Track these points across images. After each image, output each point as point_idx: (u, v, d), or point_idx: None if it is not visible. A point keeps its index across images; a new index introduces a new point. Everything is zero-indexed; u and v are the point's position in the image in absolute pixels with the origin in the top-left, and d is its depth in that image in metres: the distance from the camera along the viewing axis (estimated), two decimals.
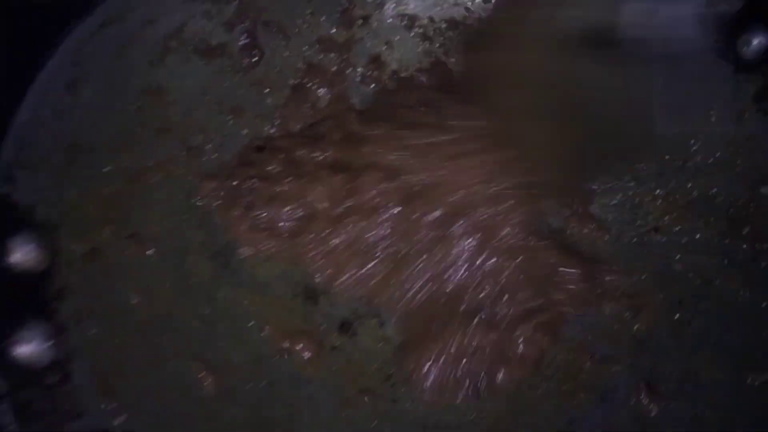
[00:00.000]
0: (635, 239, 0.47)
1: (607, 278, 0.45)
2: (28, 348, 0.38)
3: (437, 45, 0.50)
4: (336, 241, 0.45)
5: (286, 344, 0.45)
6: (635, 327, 0.46)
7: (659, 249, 0.47)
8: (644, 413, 0.44)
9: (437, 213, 0.44)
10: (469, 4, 0.49)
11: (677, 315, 0.46)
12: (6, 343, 0.37)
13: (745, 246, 0.46)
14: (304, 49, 0.49)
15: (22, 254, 0.40)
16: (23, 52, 0.44)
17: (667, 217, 0.47)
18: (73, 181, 0.45)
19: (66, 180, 0.45)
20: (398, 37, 0.49)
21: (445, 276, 0.44)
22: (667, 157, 0.47)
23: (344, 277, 0.45)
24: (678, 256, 0.46)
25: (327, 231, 0.45)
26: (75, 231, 0.44)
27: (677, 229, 0.47)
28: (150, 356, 0.43)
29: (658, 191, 0.47)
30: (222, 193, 0.47)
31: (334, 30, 0.49)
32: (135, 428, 0.40)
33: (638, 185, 0.47)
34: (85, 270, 0.44)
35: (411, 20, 0.50)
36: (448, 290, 0.44)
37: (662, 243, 0.47)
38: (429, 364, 0.43)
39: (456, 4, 0.50)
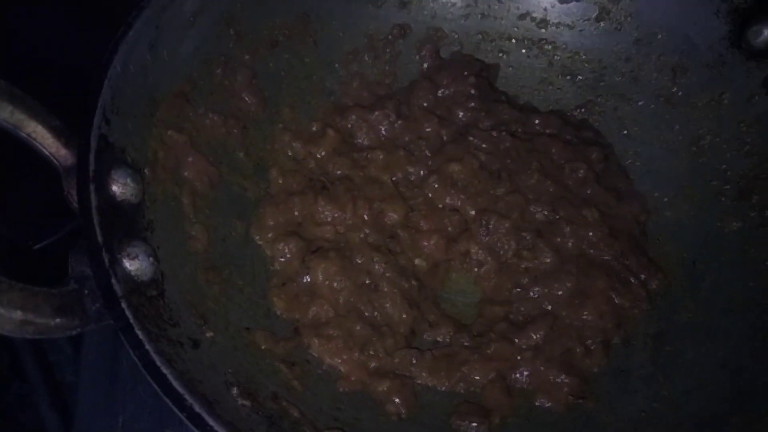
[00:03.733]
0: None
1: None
2: (135, 263, 0.40)
3: None
4: None
5: None
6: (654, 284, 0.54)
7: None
8: (661, 361, 0.50)
9: None
10: None
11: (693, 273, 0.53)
12: (119, 256, 0.40)
13: (753, 213, 0.54)
14: None
15: (120, 186, 0.43)
16: (117, 15, 0.48)
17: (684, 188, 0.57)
18: (152, 130, 0.49)
19: (147, 128, 0.48)
20: None
21: None
22: (680, 138, 0.57)
23: None
24: (694, 222, 0.56)
25: None
26: (156, 174, 0.48)
27: (694, 198, 0.57)
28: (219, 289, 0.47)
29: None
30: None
31: None
32: (219, 341, 0.44)
33: None
34: (166, 209, 0.47)
35: None
36: None
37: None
38: None
39: None
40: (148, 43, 0.50)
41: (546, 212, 0.57)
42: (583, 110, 0.66)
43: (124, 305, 0.37)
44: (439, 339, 0.53)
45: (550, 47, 0.68)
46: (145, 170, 0.47)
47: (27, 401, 0.55)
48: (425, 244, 0.57)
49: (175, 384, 0.35)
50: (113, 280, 0.38)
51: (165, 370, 0.35)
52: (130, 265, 0.40)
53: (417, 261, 0.56)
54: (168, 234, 0.47)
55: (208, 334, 0.43)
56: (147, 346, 0.36)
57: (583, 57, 0.67)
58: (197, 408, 0.34)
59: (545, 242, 0.56)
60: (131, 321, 0.36)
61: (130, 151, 0.46)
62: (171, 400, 0.34)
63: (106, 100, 0.45)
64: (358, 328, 0.51)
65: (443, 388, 0.50)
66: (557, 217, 0.57)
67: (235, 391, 0.40)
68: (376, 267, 0.54)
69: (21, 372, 0.57)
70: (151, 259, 0.42)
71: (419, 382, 0.50)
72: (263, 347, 0.47)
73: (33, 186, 0.58)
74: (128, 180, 0.44)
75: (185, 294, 0.45)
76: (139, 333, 0.36)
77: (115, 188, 0.43)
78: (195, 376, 0.38)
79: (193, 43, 0.54)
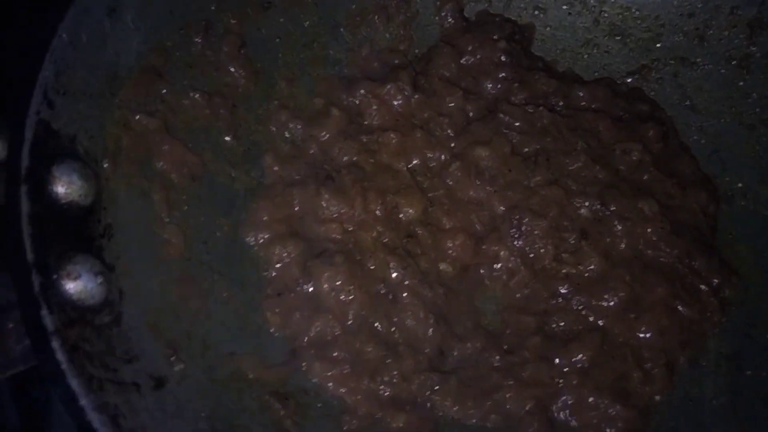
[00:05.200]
0: None
1: None
2: (77, 284, 0.32)
3: None
4: None
5: None
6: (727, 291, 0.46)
7: None
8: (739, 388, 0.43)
9: None
10: None
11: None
12: (55, 276, 0.31)
13: None
14: None
15: (67, 185, 0.34)
16: None
17: None
18: (113, 113, 0.40)
19: (106, 111, 0.39)
20: None
21: None
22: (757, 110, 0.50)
23: None
24: None
25: None
26: (118, 167, 0.39)
27: None
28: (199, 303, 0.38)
29: None
30: None
31: None
32: (192, 374, 0.35)
33: None
34: (130, 210, 0.38)
35: None
36: None
37: None
38: None
39: None
40: (106, 7, 0.40)
41: (593, 206, 0.47)
42: (636, 77, 0.56)
43: (55, 344, 0.28)
44: (465, 354, 0.44)
45: (595, 2, 0.56)
46: (103, 162, 0.38)
47: None
48: (450, 245, 0.47)
49: None
50: (43, 311, 0.29)
51: None
52: (71, 287, 0.31)
53: (442, 266, 0.47)
54: (132, 240, 0.38)
55: (177, 367, 0.35)
56: (83, 401, 0.27)
57: (636, 12, 0.56)
58: None
59: (591, 243, 0.45)
60: (63, 365, 0.28)
61: (82, 139, 0.37)
62: None
63: (48, 77, 0.36)
64: (369, 348, 0.42)
65: (471, 421, 0.41)
66: (607, 212, 0.46)
67: None
68: (393, 273, 0.45)
69: None
70: (100, 277, 0.33)
71: (442, 413, 0.41)
72: (251, 376, 0.39)
73: None
74: (76, 177, 0.35)
75: (151, 315, 0.36)
76: (73, 382, 0.27)
77: (58, 188, 0.34)
78: (152, 430, 0.29)
79: (165, 6, 0.45)
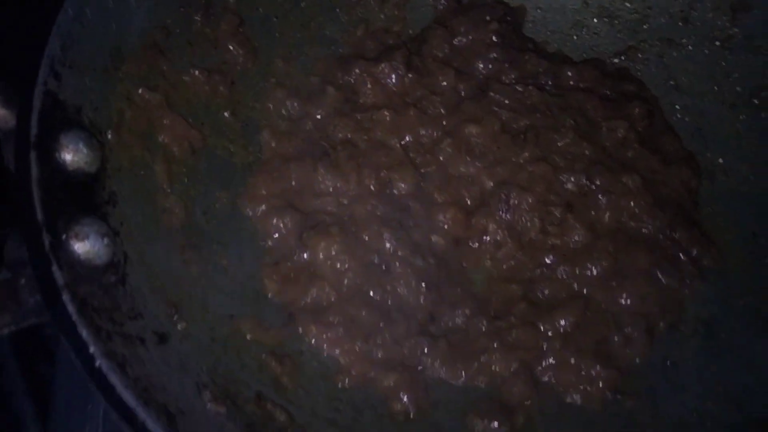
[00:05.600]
0: None
1: None
2: (84, 244, 0.33)
3: None
4: None
5: None
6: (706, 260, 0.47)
7: None
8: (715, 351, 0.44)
9: None
10: None
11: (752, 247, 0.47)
12: (64, 236, 0.33)
13: None
14: None
15: (74, 153, 0.36)
16: None
17: None
18: (117, 86, 0.41)
19: (110, 85, 0.41)
20: None
21: None
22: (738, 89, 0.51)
23: None
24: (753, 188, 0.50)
25: None
26: (121, 138, 0.40)
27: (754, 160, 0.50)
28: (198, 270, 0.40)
29: None
30: None
31: None
32: (194, 332, 0.37)
33: None
34: (133, 179, 0.40)
35: None
36: None
37: None
38: None
39: None
40: None
41: (579, 181, 0.48)
42: (623, 58, 0.57)
43: (65, 297, 0.30)
44: (456, 321, 0.46)
45: None
46: (108, 133, 0.40)
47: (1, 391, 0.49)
48: (441, 218, 0.48)
49: (125, 395, 0.28)
50: (54, 267, 0.30)
51: (113, 378, 0.28)
52: (79, 247, 0.33)
53: (434, 238, 0.48)
54: (135, 208, 0.39)
55: (180, 326, 0.37)
56: (92, 348, 0.29)
57: None
58: (150, 424, 0.27)
59: (576, 216, 0.47)
60: (74, 317, 0.29)
61: (87, 110, 0.39)
62: (119, 414, 0.28)
63: (55, 50, 0.38)
64: (363, 313, 0.44)
65: (459, 382, 0.43)
66: (592, 186, 0.48)
67: (207, 395, 0.33)
68: (387, 244, 0.46)
69: None
70: (106, 239, 0.34)
71: (431, 374, 0.43)
72: (249, 337, 0.40)
73: None
74: (82, 145, 0.37)
75: (154, 278, 0.37)
76: (83, 332, 0.29)
77: (65, 155, 0.36)
78: (156, 381, 0.31)
79: None
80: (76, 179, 0.36)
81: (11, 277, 0.31)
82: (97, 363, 0.28)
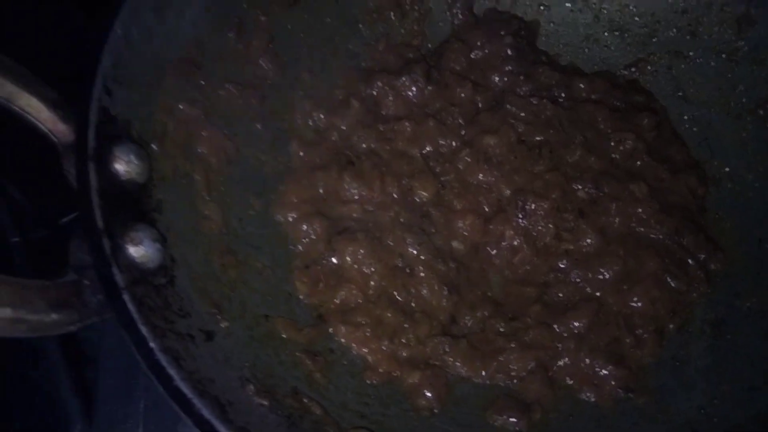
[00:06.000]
0: None
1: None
2: (139, 249, 0.36)
3: None
4: None
5: None
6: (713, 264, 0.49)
7: None
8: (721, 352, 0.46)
9: None
10: None
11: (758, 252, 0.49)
12: (121, 241, 0.35)
13: None
14: None
15: (126, 164, 0.39)
16: None
17: None
18: (159, 101, 0.44)
19: (154, 100, 0.44)
20: None
21: None
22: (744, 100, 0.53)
23: None
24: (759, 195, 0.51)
25: None
26: (165, 150, 0.43)
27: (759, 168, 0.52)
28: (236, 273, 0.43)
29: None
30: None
31: None
32: (235, 331, 0.39)
33: None
34: (176, 188, 0.43)
35: None
36: None
37: None
38: None
39: None
40: (153, 4, 0.44)
41: (589, 189, 0.51)
42: (633, 70, 0.59)
43: (126, 297, 0.33)
44: (474, 321, 0.48)
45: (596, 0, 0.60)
46: (153, 145, 0.43)
47: (48, 386, 0.52)
48: (460, 224, 0.51)
49: (183, 386, 0.31)
50: (114, 269, 0.33)
51: (171, 371, 0.31)
52: (134, 251, 0.36)
53: (454, 243, 0.51)
54: (179, 215, 0.42)
55: (223, 324, 0.39)
56: (152, 344, 0.31)
57: (633, 9, 0.59)
58: (206, 414, 0.30)
59: (588, 222, 0.49)
60: (134, 315, 0.32)
61: (136, 124, 0.42)
62: (178, 404, 0.30)
63: (107, 68, 0.41)
64: (389, 314, 0.46)
65: (479, 380, 0.46)
66: (601, 194, 0.50)
67: (251, 388, 0.36)
68: (410, 249, 0.49)
69: (42, 356, 0.54)
70: (157, 244, 0.37)
71: (453, 372, 0.45)
72: (284, 336, 0.43)
73: (32, 166, 0.54)
74: (132, 157, 0.39)
75: (197, 280, 0.40)
76: (143, 328, 0.32)
77: (118, 166, 0.38)
78: (206, 374, 0.34)
79: (202, 4, 0.49)
80: (128, 188, 0.39)
81: (76, 279, 0.33)
82: (157, 357, 0.31)
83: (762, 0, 0.53)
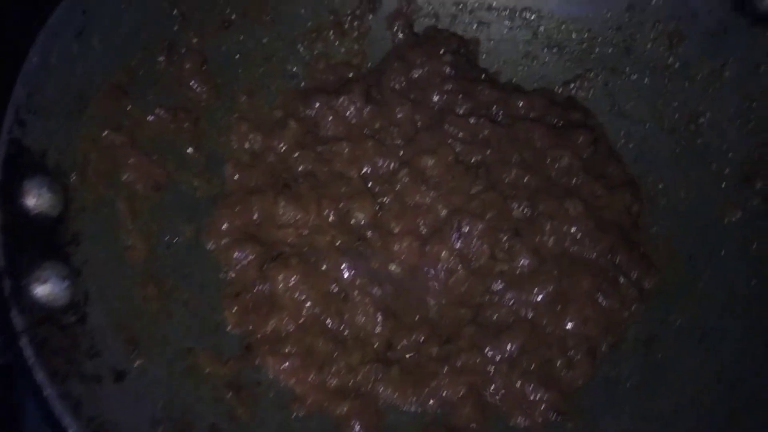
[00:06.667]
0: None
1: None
2: (45, 287, 0.35)
3: None
4: None
5: None
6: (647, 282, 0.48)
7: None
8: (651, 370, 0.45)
9: None
10: None
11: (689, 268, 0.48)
12: (25, 281, 0.34)
13: (756, 201, 0.48)
14: None
15: (37, 198, 0.37)
16: None
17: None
18: (81, 129, 0.43)
19: (75, 128, 0.42)
20: None
21: None
22: (677, 115, 0.52)
23: None
24: (691, 211, 0.50)
25: None
26: (85, 179, 0.42)
27: (692, 184, 0.51)
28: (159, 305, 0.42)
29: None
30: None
31: None
32: (151, 368, 0.38)
33: None
34: (96, 218, 0.42)
35: None
36: None
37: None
38: None
39: None
40: (75, 30, 0.43)
41: (524, 208, 0.50)
42: (571, 86, 0.59)
43: (23, 341, 0.32)
44: (411, 346, 0.48)
45: (534, 16, 0.60)
46: (72, 176, 0.41)
47: None
48: (397, 247, 0.50)
49: None
50: (13, 312, 0.32)
51: (66, 421, 0.30)
52: (40, 290, 0.35)
53: (391, 266, 0.50)
54: (98, 246, 0.41)
55: (138, 362, 0.38)
56: (47, 391, 0.30)
57: (571, 26, 0.59)
58: None
59: (523, 242, 0.49)
60: (30, 361, 0.31)
61: (52, 154, 0.40)
62: None
63: (20, 98, 0.40)
64: (320, 343, 0.46)
65: (411, 408, 0.45)
66: (536, 213, 0.50)
67: (161, 430, 0.35)
68: (345, 274, 0.48)
69: None
70: (67, 281, 0.36)
71: (384, 400, 0.45)
72: (207, 370, 0.42)
73: None
74: (45, 190, 0.38)
75: (114, 316, 0.39)
76: (39, 375, 0.31)
77: (27, 201, 0.37)
78: (111, 417, 0.33)
79: (130, 28, 0.48)
80: (38, 223, 0.37)
81: None
82: (51, 405, 0.30)
83: (691, 18, 0.53)
